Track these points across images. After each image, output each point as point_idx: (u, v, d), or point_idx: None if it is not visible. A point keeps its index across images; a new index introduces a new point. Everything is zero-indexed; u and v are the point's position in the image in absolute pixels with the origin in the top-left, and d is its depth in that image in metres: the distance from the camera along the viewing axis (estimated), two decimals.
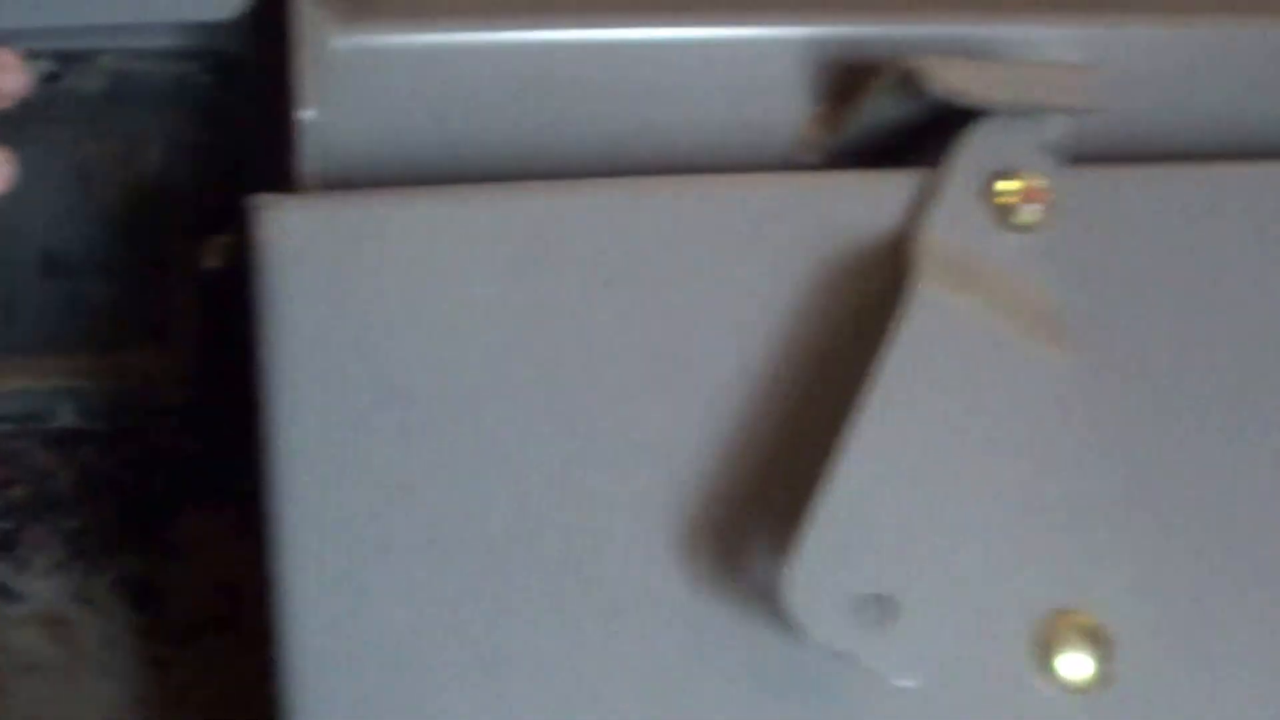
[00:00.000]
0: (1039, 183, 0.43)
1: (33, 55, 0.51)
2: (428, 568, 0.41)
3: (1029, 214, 0.43)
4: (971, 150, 0.44)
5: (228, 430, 0.60)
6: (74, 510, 0.59)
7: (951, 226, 0.43)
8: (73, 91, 0.53)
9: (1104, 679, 0.42)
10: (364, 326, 0.41)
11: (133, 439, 0.60)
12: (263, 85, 0.53)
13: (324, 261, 0.41)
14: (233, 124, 0.54)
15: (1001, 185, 0.44)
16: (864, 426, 0.40)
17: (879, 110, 0.45)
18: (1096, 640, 0.43)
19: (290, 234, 0.41)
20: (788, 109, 0.46)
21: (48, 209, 0.56)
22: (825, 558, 0.39)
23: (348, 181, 0.44)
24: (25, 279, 0.57)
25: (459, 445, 0.41)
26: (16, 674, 0.56)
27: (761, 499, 0.42)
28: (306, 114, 0.44)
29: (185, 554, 0.59)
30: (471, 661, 0.41)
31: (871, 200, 0.44)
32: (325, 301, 0.41)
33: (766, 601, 0.40)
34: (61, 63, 0.52)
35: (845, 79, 0.46)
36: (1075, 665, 0.42)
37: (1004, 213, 0.43)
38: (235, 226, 0.56)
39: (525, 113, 0.45)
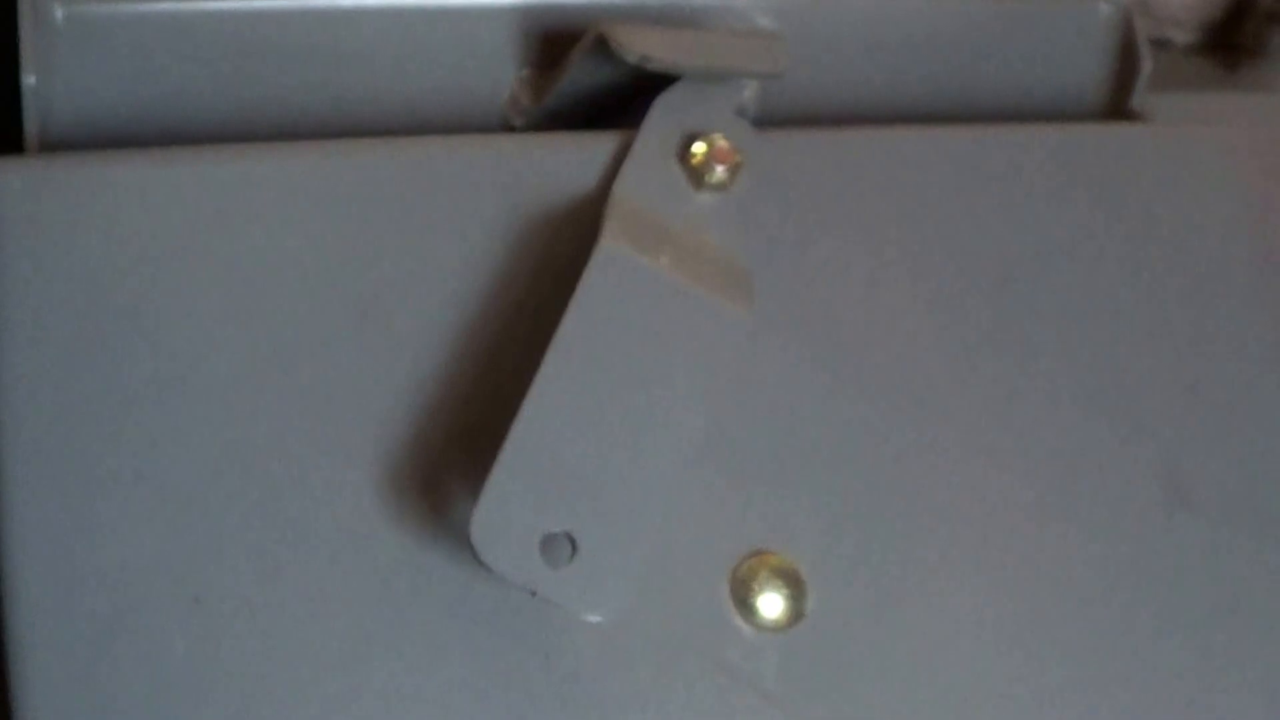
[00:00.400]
0: (728, 144, 0.46)
1: None
2: (140, 508, 0.43)
3: (719, 174, 0.46)
4: (664, 112, 0.46)
5: None
6: None
7: (643, 186, 0.45)
8: None
9: (795, 617, 0.45)
10: (85, 286, 0.44)
11: None
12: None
13: (43, 220, 0.44)
14: None
15: (695, 147, 0.46)
16: (547, 375, 0.42)
17: (580, 76, 0.47)
18: (789, 580, 0.45)
19: (11, 193, 0.43)
20: (496, 75, 0.49)
21: None
22: (511, 498, 0.42)
23: (71, 145, 0.47)
24: None
25: (170, 393, 0.44)
26: None
27: (461, 447, 0.45)
28: (28, 80, 0.46)
29: None
30: (181, 602, 0.43)
31: (570, 161, 0.46)
32: (44, 260, 0.43)
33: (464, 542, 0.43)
34: None
35: (552, 45, 0.48)
36: (769, 605, 0.45)
37: (696, 173, 0.46)
38: None
39: (239, 80, 0.47)
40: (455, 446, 0.45)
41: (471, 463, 0.44)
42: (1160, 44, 0.65)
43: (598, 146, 0.46)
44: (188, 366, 0.44)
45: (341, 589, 0.44)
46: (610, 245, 0.44)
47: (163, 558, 0.43)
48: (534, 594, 0.42)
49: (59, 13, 0.46)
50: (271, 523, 0.43)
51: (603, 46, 0.45)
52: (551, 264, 0.46)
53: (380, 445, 0.44)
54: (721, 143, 0.46)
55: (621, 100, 0.48)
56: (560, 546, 0.42)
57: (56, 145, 0.47)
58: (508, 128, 0.49)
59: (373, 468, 0.44)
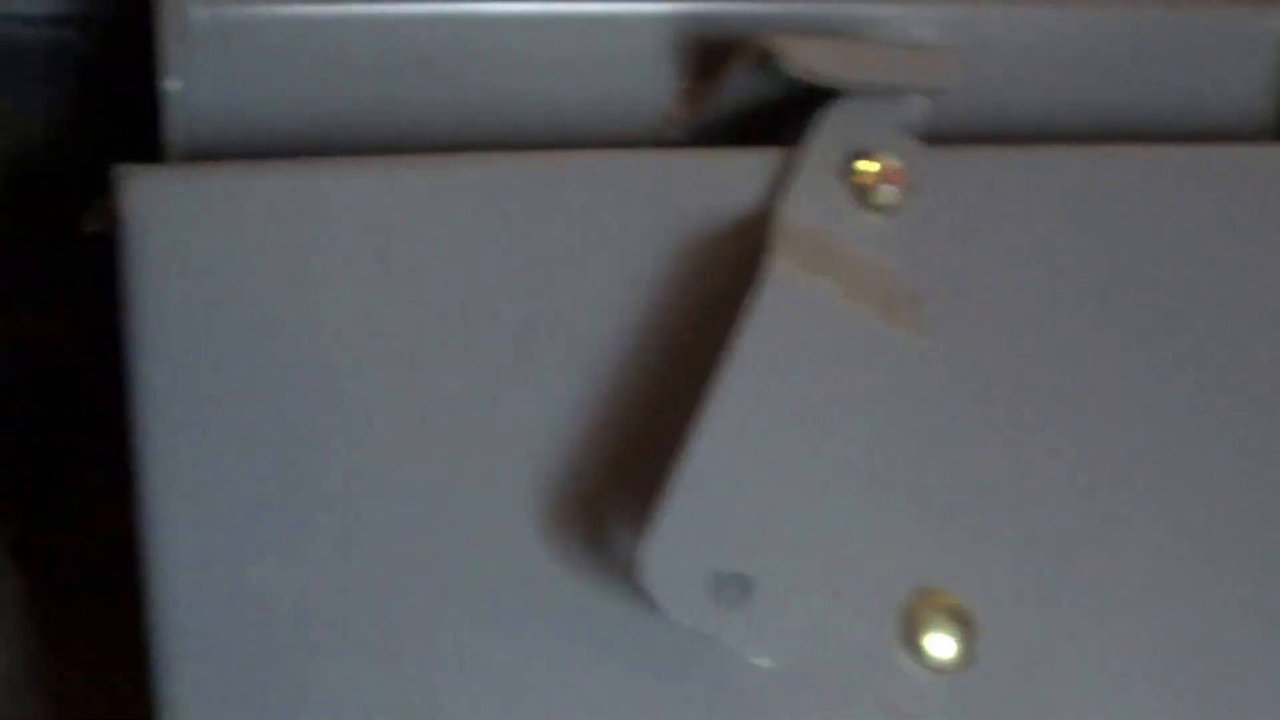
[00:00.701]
0: (896, 163, 0.44)
1: None
2: (295, 540, 0.41)
3: (886, 195, 0.44)
4: (829, 129, 0.44)
5: (114, 391, 0.60)
6: None
7: (809, 206, 0.44)
8: None
9: (967, 659, 0.43)
10: (229, 298, 0.42)
11: (14, 399, 0.60)
12: (137, 52, 0.53)
13: (186, 231, 0.41)
14: (112, 90, 0.54)
15: (860, 165, 0.44)
16: (718, 405, 0.41)
17: (739, 89, 0.45)
18: (960, 620, 0.43)
19: (152, 203, 0.41)
20: (652, 86, 0.47)
21: None
22: (681, 535, 0.40)
23: (213, 153, 0.45)
24: None
25: (323, 418, 0.42)
26: None
27: (624, 477, 0.43)
28: (171, 85, 0.44)
29: (73, 515, 0.59)
30: (338, 635, 0.41)
31: (731, 178, 0.44)
32: (187, 271, 0.41)
33: (628, 578, 0.41)
34: None
35: (709, 56, 0.46)
36: (939, 645, 0.43)
37: (862, 193, 0.44)
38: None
39: (389, 87, 0.45)
40: (615, 474, 0.43)
41: (632, 493, 0.43)
42: None
43: (760, 163, 0.44)
44: (336, 387, 0.42)
45: (498, 619, 0.42)
46: (781, 267, 0.42)
47: (312, 583, 0.41)
48: (700, 634, 0.40)
49: (201, 14, 0.44)
50: (425, 550, 0.42)
51: (764, 59, 0.43)
52: (712, 284, 0.44)
53: (537, 471, 0.43)
54: (892, 162, 0.44)
55: (779, 114, 0.46)
56: (734, 587, 0.40)
57: (197, 153, 0.45)
58: (663, 141, 0.47)
59: (529, 495, 0.43)
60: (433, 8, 0.45)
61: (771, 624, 0.40)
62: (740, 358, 0.41)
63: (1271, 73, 0.52)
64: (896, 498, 0.43)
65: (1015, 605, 0.44)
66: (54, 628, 0.58)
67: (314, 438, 0.42)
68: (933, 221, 0.45)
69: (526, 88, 0.46)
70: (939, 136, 0.46)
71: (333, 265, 0.42)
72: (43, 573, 0.58)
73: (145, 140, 0.54)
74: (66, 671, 0.58)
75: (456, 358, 0.43)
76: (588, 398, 0.43)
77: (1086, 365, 0.46)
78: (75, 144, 0.55)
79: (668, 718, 0.42)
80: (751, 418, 0.41)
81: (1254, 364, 0.48)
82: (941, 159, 0.45)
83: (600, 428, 0.43)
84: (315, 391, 0.42)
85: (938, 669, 0.43)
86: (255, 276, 0.42)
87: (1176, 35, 0.51)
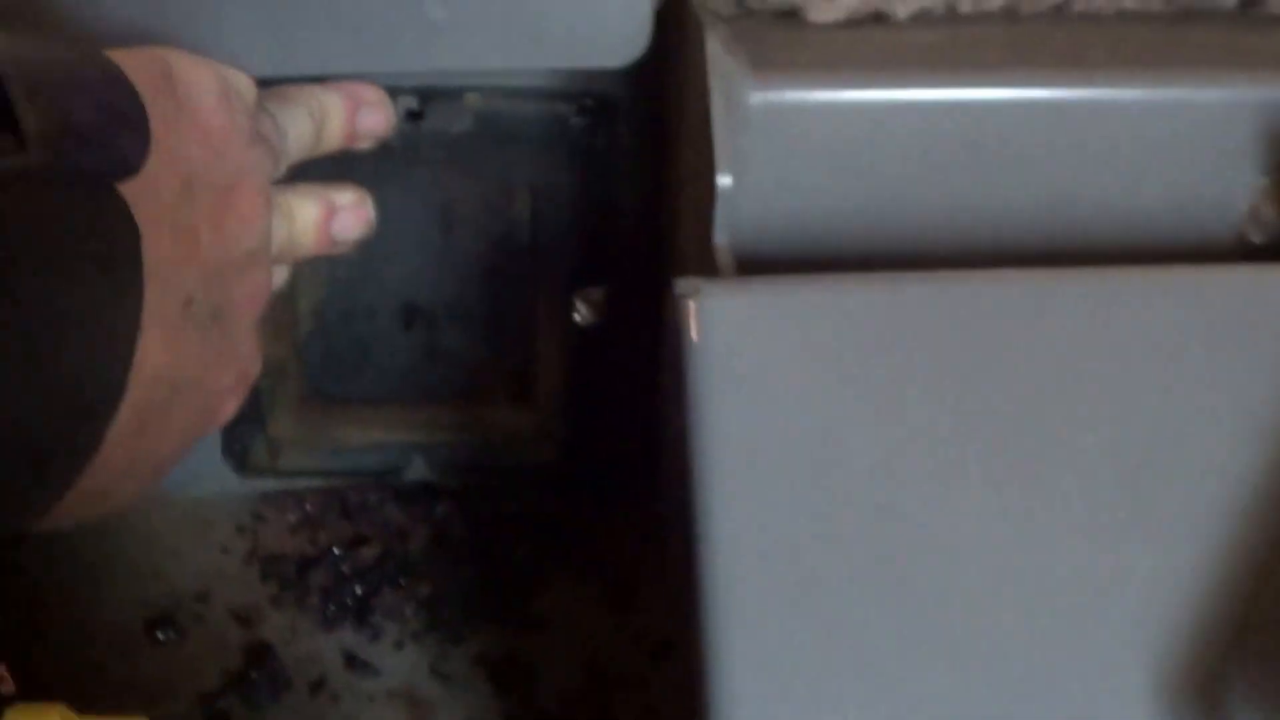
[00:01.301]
0: None
1: (394, 91, 0.46)
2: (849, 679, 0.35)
3: None
4: None
5: (595, 494, 0.56)
6: (428, 575, 0.55)
7: None
8: (436, 131, 0.48)
9: None
10: (785, 406, 0.37)
11: (491, 499, 0.55)
12: (641, 132, 0.48)
13: (747, 342, 0.37)
14: (606, 170, 0.49)
15: None
16: None
17: None
18: None
19: (717, 320, 0.37)
20: (1231, 181, 0.39)
21: (408, 256, 0.52)
22: None
23: (759, 249, 0.40)
24: (382, 328, 0.54)
25: (894, 541, 0.36)
26: None
27: (1245, 651, 0.36)
28: (723, 180, 0.38)
29: (550, 628, 0.54)
30: None
31: None
32: (747, 381, 0.37)
33: None
34: (424, 100, 0.48)
35: None
36: None
37: None
38: (609, 281, 0.51)
39: (945, 175, 0.40)
40: (1238, 649, 0.36)
41: (1256, 659, 0.35)
42: None
43: None
44: (904, 508, 0.36)
45: None
46: None
47: None
48: None
49: (757, 99, 0.39)
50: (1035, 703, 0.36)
51: None
52: None
53: (1151, 641, 0.36)
54: None
55: None
56: None
57: (743, 250, 0.39)
58: (1244, 242, 0.40)
59: (1143, 667, 0.36)
60: (995, 92, 0.39)
61: None
62: None
63: None
64: None
65: None
66: None
67: (875, 570, 0.36)
68: None
69: (1092, 180, 0.40)
70: None
71: (900, 377, 0.37)
72: (520, 691, 0.54)
73: (647, 229, 0.49)
74: None
75: (1061, 509, 0.36)
76: (1206, 559, 0.36)
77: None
78: (564, 227, 0.51)
79: None
80: None
81: None
82: None
83: (1219, 582, 0.36)
84: (884, 517, 0.37)
85: None
86: (811, 385, 0.37)
87: None
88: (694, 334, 0.36)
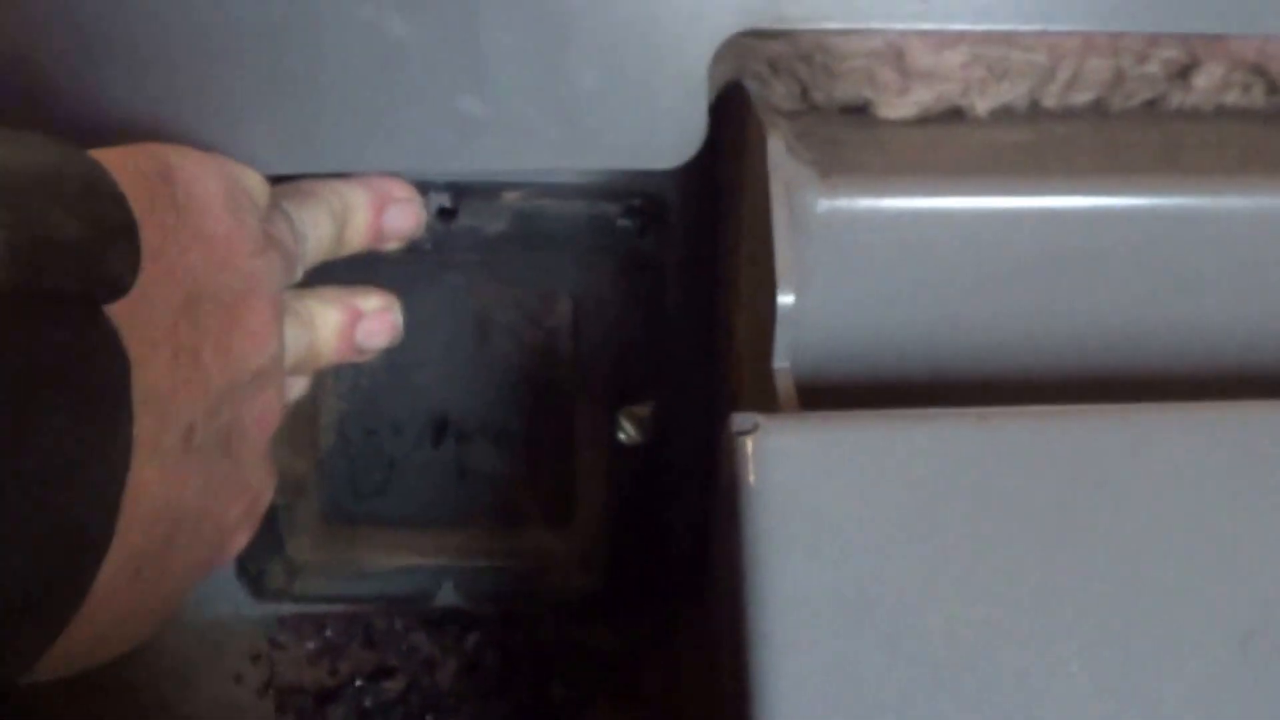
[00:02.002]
0: None
1: (425, 187, 0.43)
2: None
3: None
4: None
5: (638, 622, 0.51)
6: (457, 710, 0.51)
7: None
8: (471, 231, 0.45)
9: None
10: (853, 557, 0.33)
11: (526, 628, 0.51)
12: (693, 235, 0.44)
13: (810, 486, 0.33)
14: (655, 276, 0.46)
15: None
16: None
17: None
18: None
19: (776, 460, 0.33)
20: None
21: (439, 365, 0.49)
22: None
23: (821, 372, 0.36)
24: (410, 444, 0.50)
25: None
26: None
27: None
28: (785, 298, 0.34)
29: None
30: None
31: None
32: (810, 529, 0.33)
33: None
34: (458, 197, 0.44)
35: None
36: None
37: None
38: (656, 396, 0.47)
39: (1029, 290, 0.37)
40: None
41: None
42: None
43: None
44: (989, 676, 0.32)
45: None
46: None
47: None
48: None
49: (820, 207, 0.35)
50: None
51: None
52: None
53: None
54: None
55: None
56: None
57: (810, 375, 0.36)
58: None
59: None
60: (1072, 200, 0.36)
61: None
62: None
63: None
64: None
65: None
66: None
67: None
68: None
69: (1192, 295, 0.37)
70: None
71: (979, 515, 0.33)
72: None
73: (697, 339, 0.46)
74: None
75: (1140, 646, 0.32)
76: None
77: None
78: (605, 337, 0.47)
79: None
80: None
81: None
82: None
83: None
84: (957, 663, 0.32)
85: None
86: (876, 532, 0.33)
87: None
88: (751, 476, 0.32)
